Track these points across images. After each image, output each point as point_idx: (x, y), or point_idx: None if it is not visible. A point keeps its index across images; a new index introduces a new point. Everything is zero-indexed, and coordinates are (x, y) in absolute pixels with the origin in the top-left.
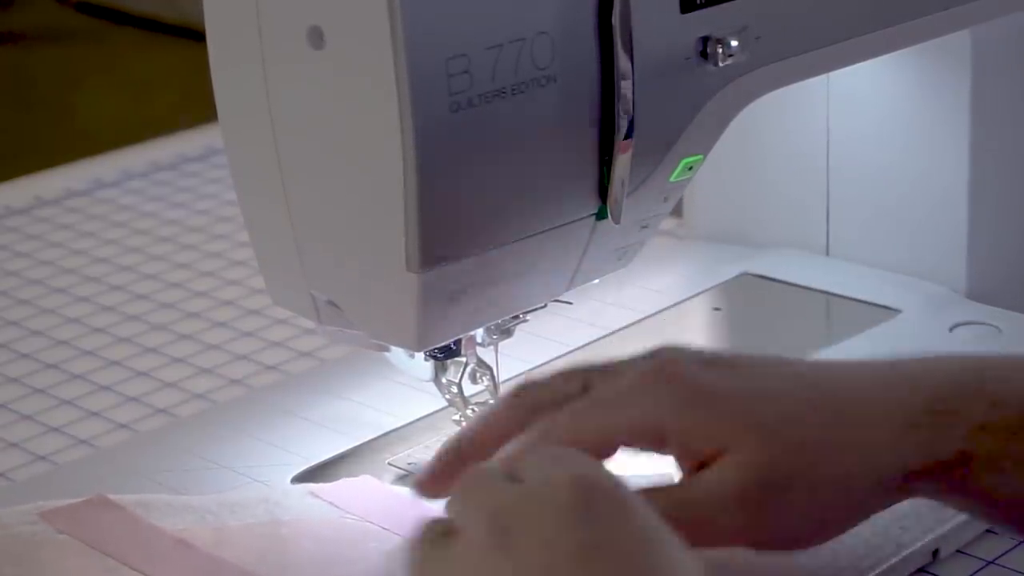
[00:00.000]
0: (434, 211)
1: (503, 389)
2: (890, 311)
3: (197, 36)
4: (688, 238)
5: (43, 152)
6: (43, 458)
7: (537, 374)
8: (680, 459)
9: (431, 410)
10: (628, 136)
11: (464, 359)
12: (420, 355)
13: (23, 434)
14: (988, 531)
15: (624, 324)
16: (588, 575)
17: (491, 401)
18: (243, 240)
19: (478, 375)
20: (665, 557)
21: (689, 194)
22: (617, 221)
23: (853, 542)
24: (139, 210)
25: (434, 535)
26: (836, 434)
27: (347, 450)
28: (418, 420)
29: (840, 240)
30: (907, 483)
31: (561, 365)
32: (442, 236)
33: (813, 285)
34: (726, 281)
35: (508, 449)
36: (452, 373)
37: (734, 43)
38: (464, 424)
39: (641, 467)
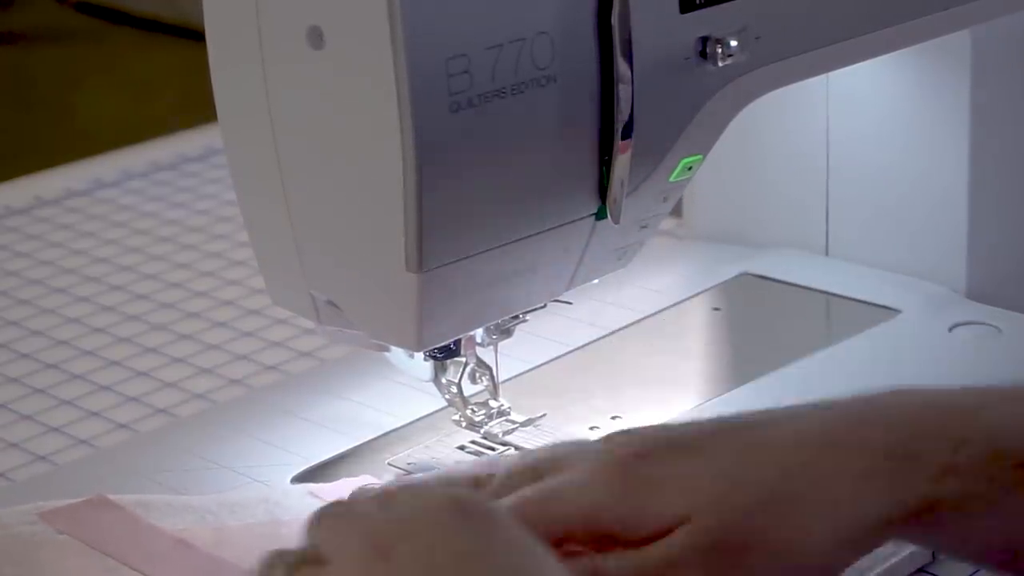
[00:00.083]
0: (434, 211)
1: (503, 389)
2: (890, 311)
3: (197, 36)
4: (688, 238)
5: (43, 152)
6: (43, 458)
7: (492, 462)
8: (631, 543)
9: (431, 410)
10: (627, 136)
11: (464, 359)
12: (420, 355)
13: (23, 434)
14: None
15: (624, 324)
16: None
17: (491, 401)
18: (243, 240)
19: (478, 375)
20: (539, 566)
21: (689, 194)
22: (617, 221)
23: None
24: (139, 210)
25: (286, 566)
26: (785, 493)
27: (347, 450)
28: (418, 420)
29: (840, 240)
30: (876, 535)
31: (512, 455)
32: (442, 236)
33: (813, 285)
34: (726, 281)
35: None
36: (452, 373)
37: (733, 43)
38: None
39: None
